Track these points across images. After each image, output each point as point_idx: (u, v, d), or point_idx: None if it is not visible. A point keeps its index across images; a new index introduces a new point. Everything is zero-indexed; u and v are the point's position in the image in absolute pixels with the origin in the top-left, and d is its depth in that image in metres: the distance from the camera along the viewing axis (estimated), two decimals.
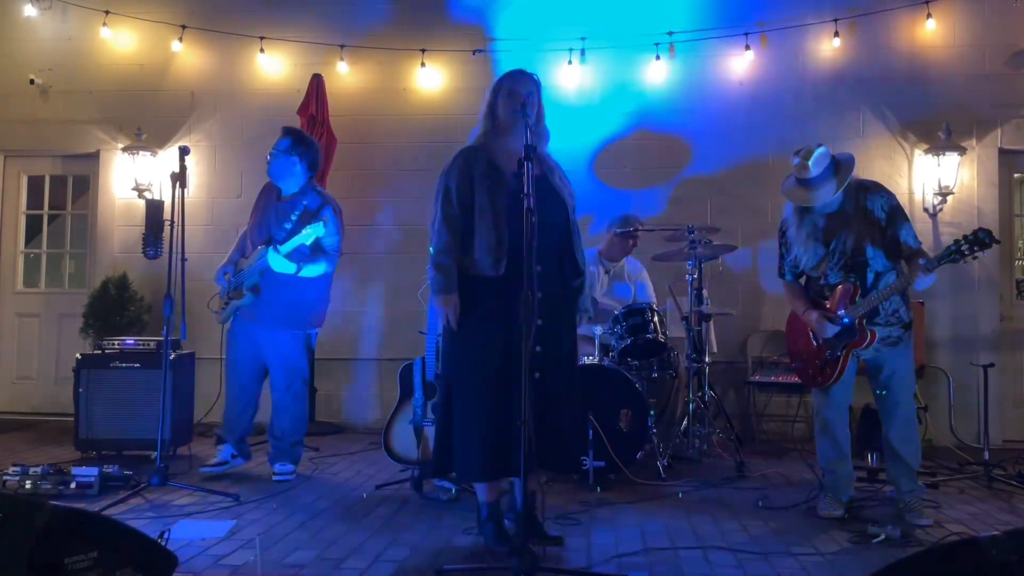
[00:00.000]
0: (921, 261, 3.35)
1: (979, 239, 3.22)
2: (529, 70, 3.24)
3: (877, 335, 3.47)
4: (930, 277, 3.33)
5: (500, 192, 3.04)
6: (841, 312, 3.48)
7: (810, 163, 3.43)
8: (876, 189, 3.59)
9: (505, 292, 2.96)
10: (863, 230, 3.49)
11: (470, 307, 3.10)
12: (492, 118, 3.19)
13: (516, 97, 3.09)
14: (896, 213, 3.53)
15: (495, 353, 3.01)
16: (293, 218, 4.31)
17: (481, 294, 3.07)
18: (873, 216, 3.50)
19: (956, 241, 3.27)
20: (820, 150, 3.46)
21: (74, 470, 3.91)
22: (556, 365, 3.07)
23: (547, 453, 2.99)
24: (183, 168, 4.14)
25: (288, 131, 4.49)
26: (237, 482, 4.26)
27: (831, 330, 3.52)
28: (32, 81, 6.40)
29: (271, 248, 4.22)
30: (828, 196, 3.46)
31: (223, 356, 4.60)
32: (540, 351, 2.98)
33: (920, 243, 3.55)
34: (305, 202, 4.35)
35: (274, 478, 4.32)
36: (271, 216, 4.41)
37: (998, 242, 3.27)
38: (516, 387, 2.77)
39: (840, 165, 3.50)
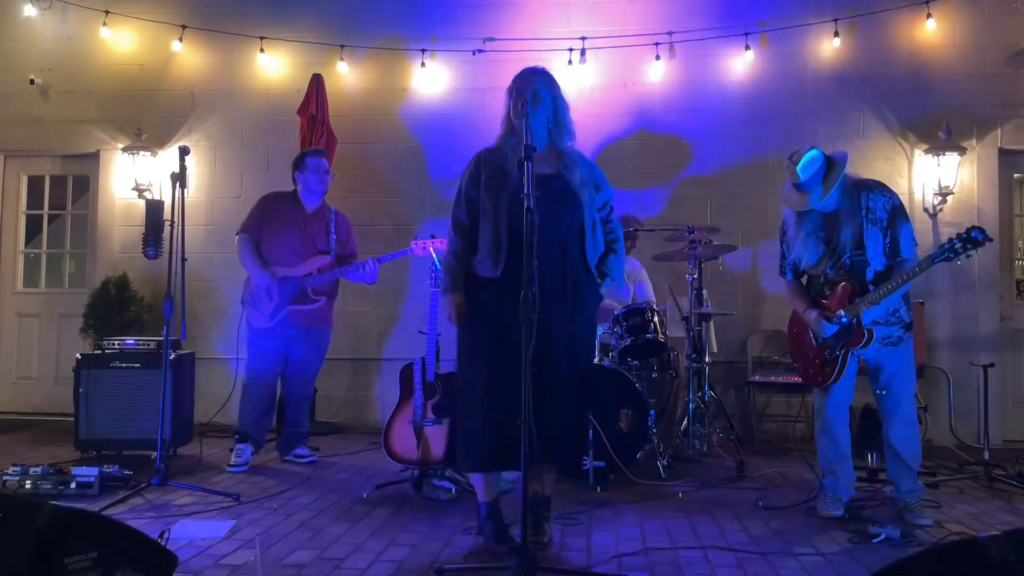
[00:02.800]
0: (871, 289, 3.40)
1: (972, 238, 3.20)
2: (539, 67, 3.23)
3: (876, 335, 3.47)
4: (872, 310, 3.39)
5: (503, 195, 3.07)
6: (840, 312, 3.48)
7: (799, 169, 3.45)
8: (878, 188, 3.58)
9: (503, 292, 3.02)
10: (863, 228, 3.49)
11: (472, 306, 3.16)
12: (507, 120, 3.20)
13: (520, 98, 3.08)
14: (897, 213, 3.52)
15: (489, 350, 3.06)
16: (332, 229, 4.74)
17: (482, 294, 3.13)
18: (874, 215, 3.50)
19: (949, 240, 3.26)
20: (810, 154, 3.46)
21: (74, 470, 3.91)
22: (551, 361, 3.01)
23: (541, 447, 2.99)
24: (183, 168, 4.15)
25: (321, 152, 4.94)
26: (237, 482, 4.27)
27: (829, 330, 3.52)
28: (32, 81, 6.40)
29: (377, 261, 4.65)
30: (818, 200, 3.46)
31: (240, 356, 4.65)
32: (536, 345, 2.98)
33: (914, 248, 3.53)
34: (331, 216, 4.81)
35: (304, 460, 4.76)
36: (311, 229, 4.72)
37: (991, 239, 3.26)
38: (512, 383, 2.85)
39: (833, 165, 3.50)
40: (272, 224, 4.70)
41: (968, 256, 3.24)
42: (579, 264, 3.13)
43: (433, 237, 4.52)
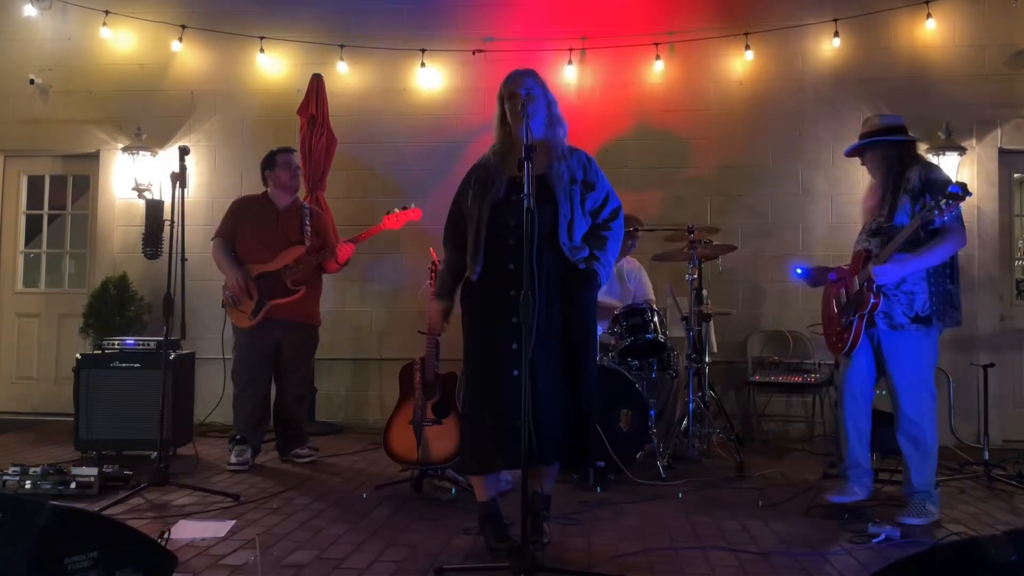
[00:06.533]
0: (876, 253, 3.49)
1: (951, 193, 3.27)
2: (524, 68, 3.23)
3: (879, 306, 3.48)
4: (886, 269, 3.41)
5: (485, 202, 3.10)
6: (854, 280, 3.60)
7: (881, 115, 3.81)
8: (923, 164, 3.67)
9: (482, 294, 3.11)
10: (898, 199, 3.54)
11: (466, 309, 3.21)
12: (503, 125, 3.20)
13: (516, 98, 3.08)
14: (931, 184, 3.51)
15: (476, 354, 3.13)
16: (307, 223, 4.76)
17: (471, 297, 3.19)
18: (909, 184, 3.55)
19: (934, 201, 3.32)
20: (896, 117, 3.77)
21: (74, 470, 3.90)
22: (535, 362, 2.89)
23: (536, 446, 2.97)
24: (183, 168, 4.15)
25: (290, 149, 4.91)
26: (237, 482, 4.27)
27: (843, 297, 3.68)
28: (32, 81, 6.41)
29: (349, 241, 4.72)
30: (872, 139, 3.65)
31: (226, 356, 4.66)
32: (516, 348, 2.97)
33: (939, 223, 3.41)
34: (305, 210, 4.84)
35: (304, 460, 4.76)
36: (284, 225, 4.73)
37: (969, 194, 3.30)
38: (499, 384, 2.97)
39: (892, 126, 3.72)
40: (246, 225, 4.72)
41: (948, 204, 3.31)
42: (553, 263, 3.05)
43: (405, 208, 4.57)
